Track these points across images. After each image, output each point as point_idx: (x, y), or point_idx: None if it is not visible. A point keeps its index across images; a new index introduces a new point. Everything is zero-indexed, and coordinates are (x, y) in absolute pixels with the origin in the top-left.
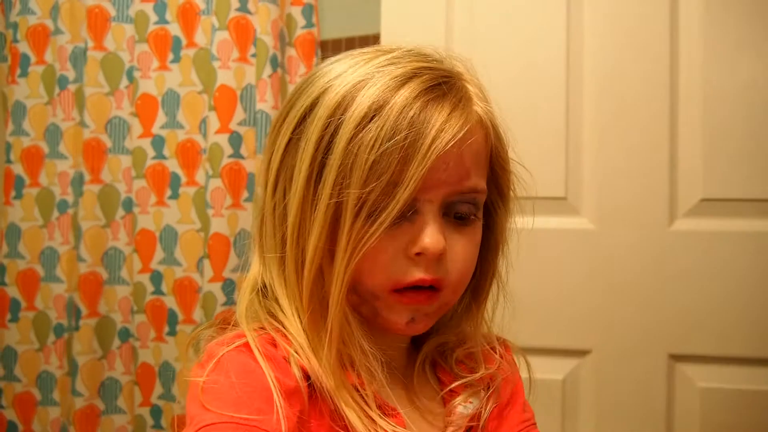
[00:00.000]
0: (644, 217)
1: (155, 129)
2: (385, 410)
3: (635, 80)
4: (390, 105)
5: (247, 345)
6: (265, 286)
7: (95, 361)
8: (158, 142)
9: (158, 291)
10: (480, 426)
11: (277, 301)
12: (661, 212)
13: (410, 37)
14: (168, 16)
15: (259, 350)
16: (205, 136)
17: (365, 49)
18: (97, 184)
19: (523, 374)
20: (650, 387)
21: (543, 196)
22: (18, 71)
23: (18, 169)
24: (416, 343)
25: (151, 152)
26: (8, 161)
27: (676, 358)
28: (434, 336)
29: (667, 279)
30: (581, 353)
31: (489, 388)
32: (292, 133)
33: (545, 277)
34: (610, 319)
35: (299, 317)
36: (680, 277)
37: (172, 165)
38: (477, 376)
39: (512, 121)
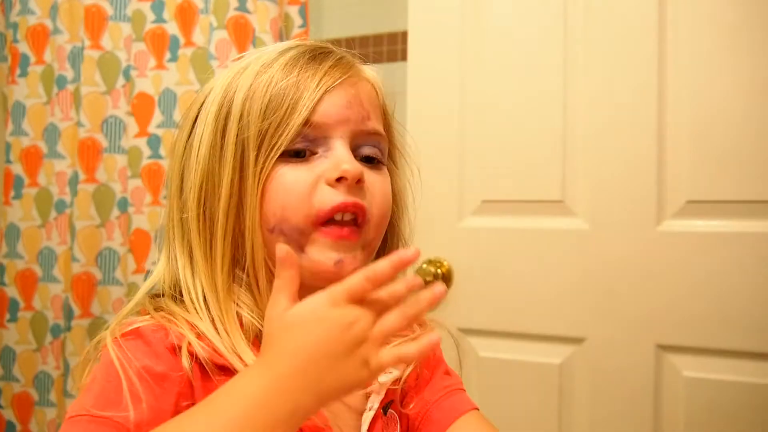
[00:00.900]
0: (634, 219)
1: (151, 128)
2: None
3: (625, 91)
4: (279, 60)
5: (134, 332)
6: (160, 295)
7: None
8: (154, 142)
9: None
10: (399, 389)
11: (177, 297)
12: (649, 214)
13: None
14: (166, 15)
15: (118, 345)
16: None
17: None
18: (92, 183)
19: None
20: (639, 374)
21: (542, 200)
22: (18, 71)
23: (17, 169)
24: None
25: (147, 152)
26: (8, 161)
27: (664, 348)
28: None
29: (655, 275)
30: (577, 341)
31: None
32: (192, 124)
33: (545, 272)
34: (602, 311)
35: (203, 299)
36: (667, 274)
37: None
38: (402, 340)
39: (513, 130)
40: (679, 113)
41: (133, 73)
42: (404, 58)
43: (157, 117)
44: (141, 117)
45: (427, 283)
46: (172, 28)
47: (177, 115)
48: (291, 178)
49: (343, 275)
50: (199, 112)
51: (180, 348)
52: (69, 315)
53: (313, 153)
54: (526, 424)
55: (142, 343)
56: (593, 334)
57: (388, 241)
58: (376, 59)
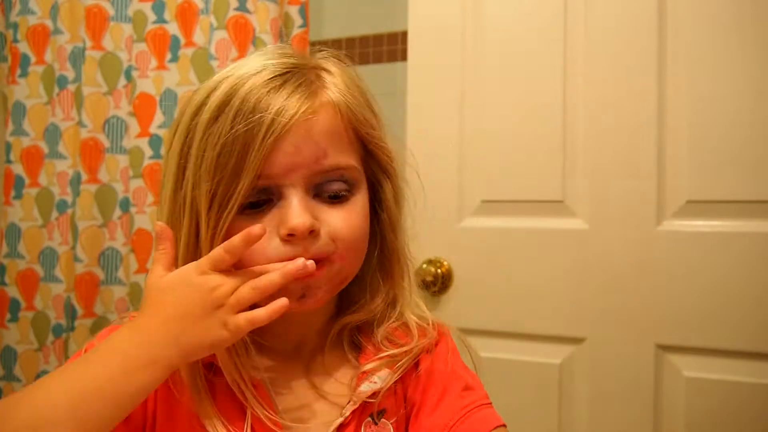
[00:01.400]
0: (634, 218)
1: (153, 128)
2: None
3: (625, 91)
4: (232, 102)
5: (106, 332)
6: None
7: None
8: (156, 142)
9: None
10: (377, 401)
11: None
12: (649, 213)
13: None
14: (167, 16)
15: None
16: None
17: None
18: (95, 183)
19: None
20: (639, 374)
21: (543, 200)
22: (18, 71)
23: (18, 169)
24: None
25: (148, 152)
26: (8, 161)
27: (664, 348)
28: (346, 316)
29: (655, 275)
30: (577, 341)
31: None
32: (168, 145)
33: (545, 272)
34: (602, 311)
35: None
36: (667, 274)
37: None
38: (394, 351)
39: (516, 134)
40: (679, 113)
41: (135, 73)
42: (404, 58)
43: (159, 117)
44: (142, 117)
45: (426, 283)
46: (172, 28)
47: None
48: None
49: (307, 307)
50: (177, 124)
51: None
52: (72, 315)
53: (269, 201)
54: (526, 424)
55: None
56: (593, 334)
57: (380, 254)
58: (376, 59)
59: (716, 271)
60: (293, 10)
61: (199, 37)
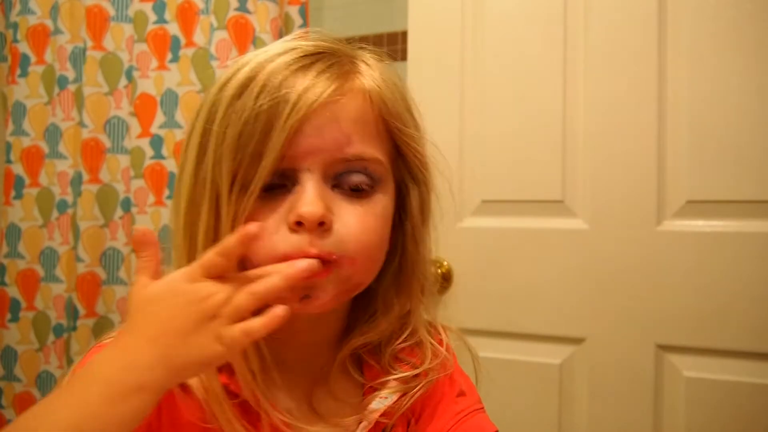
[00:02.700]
0: (634, 218)
1: (154, 129)
2: (252, 417)
3: (625, 91)
4: (257, 79)
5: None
6: None
7: None
8: (157, 142)
9: None
10: (396, 416)
11: None
12: (649, 213)
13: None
14: (167, 16)
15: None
16: None
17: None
18: (96, 183)
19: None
20: (639, 374)
21: (543, 200)
22: (18, 71)
23: (18, 169)
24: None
25: (149, 152)
26: (8, 161)
27: (664, 348)
28: (357, 336)
29: (655, 275)
30: (576, 341)
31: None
32: (191, 127)
33: (545, 272)
34: (602, 311)
35: None
36: (667, 274)
37: (171, 165)
38: (407, 374)
39: (516, 134)
40: (679, 113)
41: (136, 73)
42: (404, 58)
43: (159, 117)
44: (143, 117)
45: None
46: (173, 28)
47: (179, 116)
48: (256, 220)
49: (312, 309)
50: (201, 104)
51: None
52: (74, 315)
53: (284, 186)
54: (526, 424)
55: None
56: (593, 334)
57: (398, 268)
58: None
59: (716, 271)
60: (293, 10)
61: (199, 38)
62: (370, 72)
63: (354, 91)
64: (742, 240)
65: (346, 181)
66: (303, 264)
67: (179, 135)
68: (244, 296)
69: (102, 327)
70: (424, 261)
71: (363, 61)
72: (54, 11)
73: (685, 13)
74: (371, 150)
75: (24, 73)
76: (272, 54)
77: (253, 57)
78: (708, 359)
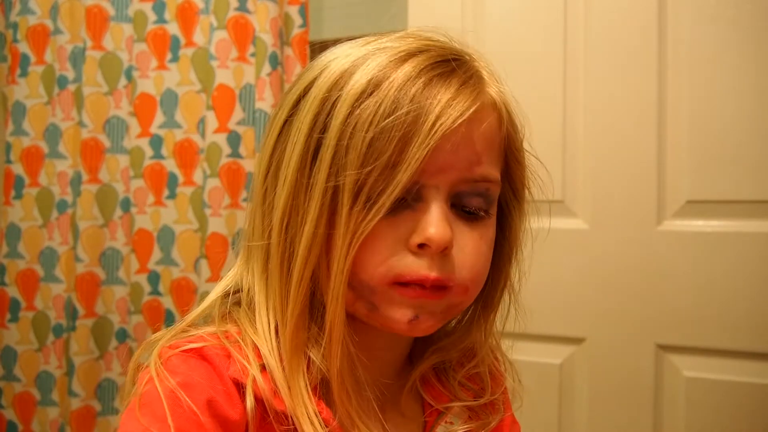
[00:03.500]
0: (634, 218)
1: (153, 128)
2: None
3: (625, 91)
4: (391, 79)
5: (197, 352)
6: (239, 291)
7: (92, 362)
8: (156, 142)
9: (155, 291)
10: None
11: (251, 308)
12: (650, 213)
13: None
14: (167, 16)
15: (212, 362)
16: (203, 135)
17: (370, 36)
18: (95, 183)
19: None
20: (639, 374)
21: (542, 200)
22: (18, 71)
23: (18, 169)
24: (412, 358)
25: (149, 152)
26: (8, 161)
27: (664, 348)
28: (434, 353)
29: (655, 275)
30: (577, 341)
31: (487, 412)
32: (288, 116)
33: (545, 273)
34: (602, 311)
35: (275, 328)
36: (667, 274)
37: (170, 165)
38: (475, 402)
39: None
40: (679, 113)
41: (135, 73)
42: None
43: (159, 117)
44: (143, 117)
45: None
46: (173, 28)
47: (178, 116)
48: (375, 236)
49: (416, 333)
50: (300, 98)
51: (242, 384)
52: (73, 315)
53: (403, 200)
54: (526, 424)
55: (208, 367)
56: (593, 334)
57: (489, 285)
58: None
59: (716, 271)
60: (293, 10)
61: (199, 37)
62: (491, 77)
63: (487, 107)
64: (742, 240)
65: (465, 203)
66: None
67: (179, 135)
68: None
69: (101, 327)
70: (511, 279)
71: (476, 61)
72: (54, 11)
73: (685, 13)
74: (494, 171)
75: (24, 73)
76: (403, 50)
77: (372, 51)
78: (708, 359)
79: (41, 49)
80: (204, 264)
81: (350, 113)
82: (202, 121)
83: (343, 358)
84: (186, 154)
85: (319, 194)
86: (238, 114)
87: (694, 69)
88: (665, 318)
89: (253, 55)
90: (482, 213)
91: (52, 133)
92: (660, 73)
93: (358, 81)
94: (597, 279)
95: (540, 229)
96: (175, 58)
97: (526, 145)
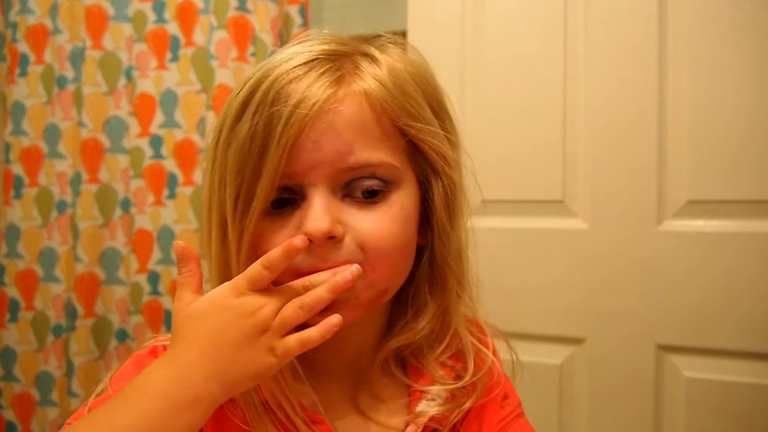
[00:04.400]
0: (634, 218)
1: (153, 128)
2: (306, 419)
3: (625, 91)
4: (256, 93)
5: (152, 351)
6: None
7: (92, 362)
8: (156, 142)
9: (155, 291)
10: (447, 427)
11: None
12: (650, 213)
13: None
14: (167, 15)
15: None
16: (203, 135)
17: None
18: (95, 183)
19: (506, 356)
20: (639, 374)
21: (542, 200)
22: (17, 71)
23: (17, 168)
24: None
25: (149, 152)
26: (7, 161)
27: (664, 348)
28: (395, 337)
29: (655, 275)
30: (577, 341)
31: (466, 392)
32: (208, 147)
33: (545, 272)
34: (602, 311)
35: None
36: (667, 274)
37: (170, 165)
38: (456, 385)
39: (516, 134)
40: (680, 113)
41: (135, 73)
42: None
43: (159, 117)
44: (143, 117)
45: None
46: (172, 28)
47: (178, 116)
48: (265, 238)
49: (346, 319)
50: (212, 133)
51: None
52: (73, 315)
53: (293, 201)
54: None
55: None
56: (593, 334)
57: (431, 267)
58: None
59: (716, 271)
60: (293, 10)
61: (199, 37)
62: (372, 69)
63: (351, 95)
64: (742, 240)
65: (357, 187)
66: (347, 272)
67: (178, 135)
68: (292, 309)
69: (101, 327)
70: (457, 256)
71: (369, 56)
72: (53, 11)
73: (686, 13)
74: (377, 154)
75: (23, 73)
76: (272, 65)
77: (257, 69)
78: (708, 359)
79: (41, 49)
80: (204, 265)
81: (227, 136)
82: (202, 121)
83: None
84: (186, 154)
85: (214, 211)
86: None
87: (695, 69)
88: (665, 318)
89: (253, 54)
90: (378, 191)
91: (52, 133)
92: (660, 72)
93: (234, 105)
94: (597, 279)
95: (540, 230)
96: (175, 58)
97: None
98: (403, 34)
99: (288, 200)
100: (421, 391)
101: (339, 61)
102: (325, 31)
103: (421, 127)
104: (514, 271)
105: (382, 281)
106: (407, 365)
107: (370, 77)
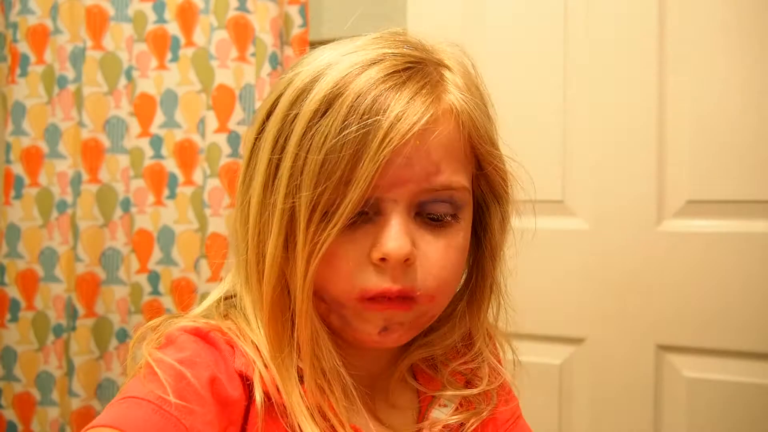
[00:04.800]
0: (635, 218)
1: (153, 128)
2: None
3: (625, 91)
4: (343, 96)
5: (205, 336)
6: (235, 296)
7: (92, 362)
8: (156, 142)
9: (156, 291)
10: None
11: (243, 310)
12: (650, 213)
13: None
14: (167, 16)
15: (216, 344)
16: (203, 135)
17: (348, 39)
18: (95, 183)
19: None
20: (639, 374)
21: (542, 200)
22: (18, 71)
23: (18, 169)
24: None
25: (149, 152)
26: (8, 161)
27: (664, 348)
28: (420, 348)
29: (655, 275)
30: (577, 341)
31: (479, 401)
32: (258, 131)
33: (545, 273)
34: (602, 311)
35: (262, 327)
36: (667, 274)
37: (170, 165)
38: (468, 393)
39: (515, 133)
40: (679, 113)
41: (135, 73)
42: None
43: (159, 117)
44: (143, 117)
45: None
46: (173, 28)
47: (178, 116)
48: (336, 253)
49: (387, 344)
50: (270, 113)
51: (245, 377)
52: (73, 315)
53: (364, 214)
54: None
55: (215, 352)
56: (593, 334)
57: (475, 284)
58: None
59: (716, 271)
60: (293, 10)
61: (199, 37)
62: (456, 83)
63: (445, 114)
64: (742, 240)
65: (429, 210)
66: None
67: (179, 135)
68: None
69: (101, 327)
70: (500, 277)
71: (446, 66)
72: (54, 11)
73: (686, 13)
74: (458, 178)
75: (24, 73)
76: (357, 65)
77: (331, 63)
78: (708, 359)
79: (41, 49)
80: (204, 264)
81: (304, 134)
82: (202, 121)
83: (313, 369)
84: (186, 154)
85: (279, 214)
86: (238, 114)
87: (695, 69)
88: (665, 318)
89: (253, 55)
90: (449, 218)
91: (52, 133)
92: (660, 72)
93: (313, 98)
94: (597, 279)
95: (540, 230)
96: (175, 58)
97: (508, 151)
98: None
99: (357, 213)
100: (432, 397)
101: (430, 72)
102: (395, 30)
103: (495, 154)
104: (514, 271)
105: (437, 310)
106: (416, 371)
107: (456, 92)
